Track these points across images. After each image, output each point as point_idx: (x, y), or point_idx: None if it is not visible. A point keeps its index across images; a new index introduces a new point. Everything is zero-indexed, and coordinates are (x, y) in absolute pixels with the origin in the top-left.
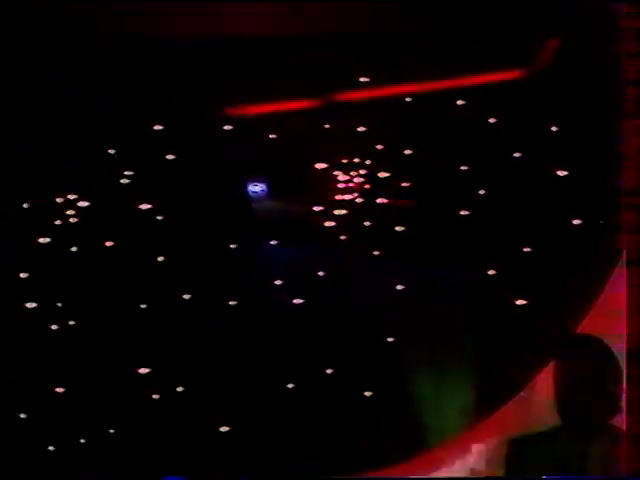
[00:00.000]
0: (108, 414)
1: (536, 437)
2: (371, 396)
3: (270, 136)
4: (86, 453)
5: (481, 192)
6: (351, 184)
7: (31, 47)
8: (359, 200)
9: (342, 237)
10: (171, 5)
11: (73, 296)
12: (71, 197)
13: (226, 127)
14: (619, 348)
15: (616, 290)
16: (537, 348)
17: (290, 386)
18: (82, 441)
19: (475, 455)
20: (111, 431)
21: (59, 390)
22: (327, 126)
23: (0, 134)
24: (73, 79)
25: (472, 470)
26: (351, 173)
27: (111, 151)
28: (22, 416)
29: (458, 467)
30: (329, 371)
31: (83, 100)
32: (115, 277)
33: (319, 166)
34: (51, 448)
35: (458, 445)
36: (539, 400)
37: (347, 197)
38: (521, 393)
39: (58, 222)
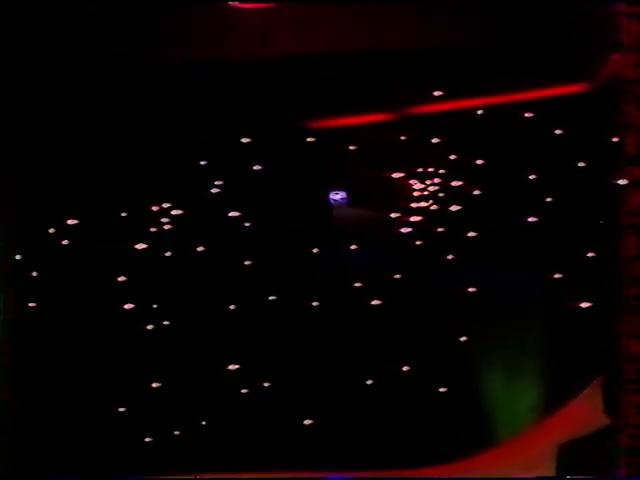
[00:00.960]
0: (200, 407)
1: (593, 436)
2: (445, 392)
3: (350, 147)
4: (180, 444)
5: (548, 199)
6: (426, 192)
7: (134, 61)
8: (433, 207)
9: (417, 242)
10: (260, 25)
11: (167, 298)
12: (165, 206)
13: (309, 139)
14: None
15: None
16: (598, 350)
17: (369, 382)
18: (176, 433)
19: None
20: (203, 423)
21: (155, 385)
22: (403, 138)
23: (98, 149)
24: (169, 96)
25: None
26: (426, 182)
27: (202, 162)
28: (121, 409)
29: (521, 462)
30: (405, 368)
31: (177, 116)
32: (206, 280)
33: (396, 175)
34: (148, 439)
35: (521, 442)
36: (599, 400)
37: (422, 204)
38: (582, 393)
39: (153, 229)
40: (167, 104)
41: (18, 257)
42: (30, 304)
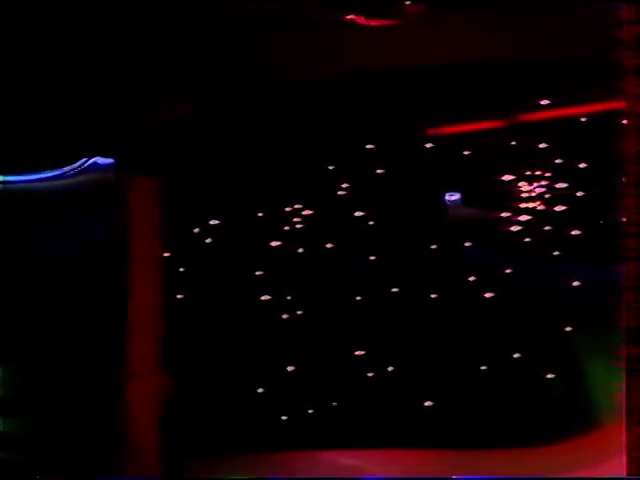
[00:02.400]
0: (331, 389)
1: None
2: (553, 378)
3: (464, 152)
4: (313, 422)
5: None
6: (533, 193)
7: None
8: (540, 207)
9: (526, 239)
10: (383, 40)
11: (300, 290)
12: (297, 207)
13: (427, 145)
14: None
15: None
16: None
17: (483, 368)
18: (310, 411)
19: None
20: (334, 404)
21: (290, 368)
22: (513, 143)
23: (237, 156)
24: (301, 107)
25: None
26: (534, 184)
27: (330, 167)
28: (260, 390)
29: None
30: (516, 355)
31: (309, 126)
32: (334, 274)
33: (506, 178)
34: (284, 417)
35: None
36: None
37: (530, 205)
38: None
39: (287, 228)
40: (299, 115)
41: (167, 254)
42: (178, 296)
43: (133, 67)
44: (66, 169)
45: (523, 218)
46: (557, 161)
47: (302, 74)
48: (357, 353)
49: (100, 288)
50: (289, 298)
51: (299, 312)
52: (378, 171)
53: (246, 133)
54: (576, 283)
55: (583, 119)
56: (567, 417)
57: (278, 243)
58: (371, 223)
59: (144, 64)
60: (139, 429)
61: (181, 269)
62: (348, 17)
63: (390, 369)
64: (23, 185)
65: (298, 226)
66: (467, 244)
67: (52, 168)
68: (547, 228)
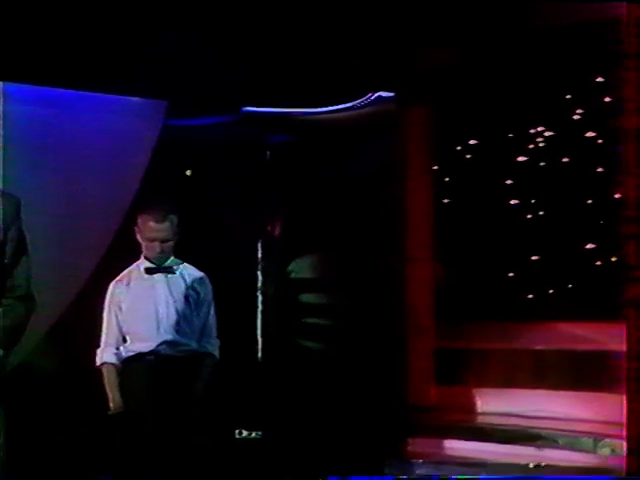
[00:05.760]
0: (567, 274)
1: None
2: None
3: None
4: (553, 299)
5: None
6: None
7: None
8: None
9: None
10: None
11: (542, 196)
12: (540, 129)
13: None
14: None
15: None
16: None
17: None
18: (550, 291)
19: None
20: (570, 285)
21: (534, 257)
22: None
23: (493, 90)
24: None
25: None
26: None
27: (567, 96)
28: (510, 274)
29: None
30: None
31: (551, 65)
32: (569, 183)
33: None
34: (530, 296)
35: None
36: None
37: None
38: None
39: (531, 146)
40: (543, 55)
41: (435, 167)
42: (444, 200)
43: (416, 21)
44: (356, 102)
45: None
46: None
47: (543, 22)
48: (588, 246)
49: (383, 195)
50: (532, 202)
51: (540, 213)
52: (606, 99)
53: (499, 72)
54: None
55: None
56: None
57: (524, 158)
58: (600, 142)
59: (424, 20)
60: (417, 301)
61: (447, 179)
62: None
63: (613, 259)
64: (326, 115)
65: (541, 145)
66: None
67: (346, 101)
68: None
